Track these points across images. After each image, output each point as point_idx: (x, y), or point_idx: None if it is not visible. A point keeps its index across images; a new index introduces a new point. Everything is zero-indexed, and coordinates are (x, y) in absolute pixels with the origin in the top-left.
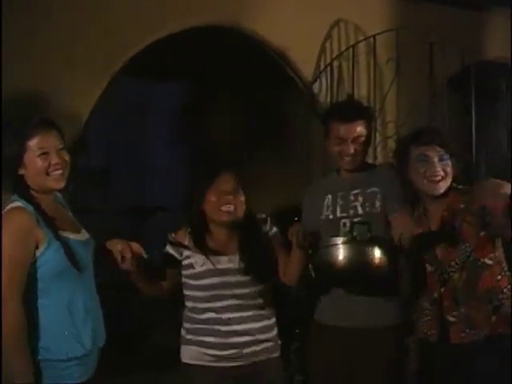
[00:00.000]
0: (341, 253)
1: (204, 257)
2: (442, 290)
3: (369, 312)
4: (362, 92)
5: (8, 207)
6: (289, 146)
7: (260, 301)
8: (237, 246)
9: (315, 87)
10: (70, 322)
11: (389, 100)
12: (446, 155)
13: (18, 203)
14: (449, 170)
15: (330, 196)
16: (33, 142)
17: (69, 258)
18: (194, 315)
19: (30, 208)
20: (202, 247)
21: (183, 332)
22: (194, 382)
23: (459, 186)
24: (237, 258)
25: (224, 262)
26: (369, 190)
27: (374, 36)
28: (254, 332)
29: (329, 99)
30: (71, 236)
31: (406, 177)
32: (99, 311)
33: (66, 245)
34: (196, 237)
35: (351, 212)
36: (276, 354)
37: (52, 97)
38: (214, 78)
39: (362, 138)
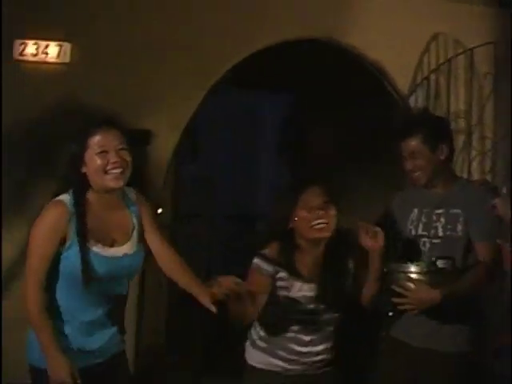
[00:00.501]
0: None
1: (301, 283)
2: None
3: (433, 335)
4: (459, 106)
5: (54, 199)
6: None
7: (332, 325)
8: (319, 270)
9: (411, 100)
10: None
11: (486, 115)
12: None
13: (61, 197)
14: None
15: (416, 210)
16: (93, 141)
17: (82, 267)
18: None
19: (70, 203)
20: (296, 273)
21: (255, 336)
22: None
23: None
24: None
25: (313, 290)
26: (452, 211)
27: (471, 49)
28: (321, 352)
29: None
30: (95, 248)
31: None
32: (114, 320)
33: (84, 254)
34: (289, 259)
35: (432, 232)
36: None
37: (153, 107)
38: (315, 90)
39: (421, 154)
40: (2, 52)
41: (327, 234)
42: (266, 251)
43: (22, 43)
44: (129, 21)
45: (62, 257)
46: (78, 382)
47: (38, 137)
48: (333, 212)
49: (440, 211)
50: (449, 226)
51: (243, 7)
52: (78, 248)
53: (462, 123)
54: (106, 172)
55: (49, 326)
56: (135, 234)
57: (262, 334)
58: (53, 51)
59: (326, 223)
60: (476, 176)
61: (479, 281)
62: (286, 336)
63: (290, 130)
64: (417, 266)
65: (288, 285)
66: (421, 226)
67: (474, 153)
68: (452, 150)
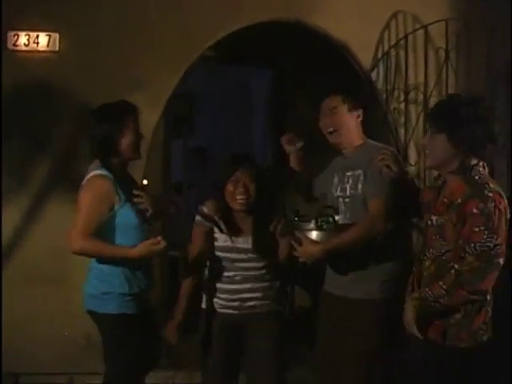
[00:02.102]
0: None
1: (226, 235)
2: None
3: (350, 284)
4: (418, 79)
5: (92, 174)
6: None
7: (264, 273)
8: (251, 227)
9: (373, 75)
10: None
11: (439, 87)
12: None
13: (99, 171)
14: (434, 143)
15: (335, 175)
16: (128, 125)
17: (141, 215)
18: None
19: (110, 176)
20: (227, 228)
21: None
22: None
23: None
24: (249, 239)
25: (240, 242)
26: (356, 172)
27: (425, 26)
28: (254, 291)
29: (385, 86)
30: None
31: None
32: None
33: (137, 206)
34: (223, 218)
35: (344, 192)
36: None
37: (136, 86)
38: (289, 69)
39: (339, 111)
40: (1, 50)
41: (245, 208)
42: (204, 208)
43: (15, 34)
44: (109, 8)
45: (115, 217)
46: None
47: (32, 118)
48: (252, 190)
49: (349, 173)
50: (353, 186)
51: None
52: (129, 204)
53: (420, 95)
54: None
55: (103, 243)
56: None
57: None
58: (43, 41)
59: (246, 199)
60: None
61: (361, 234)
62: (224, 279)
63: (273, 108)
64: (309, 223)
65: (221, 237)
66: (338, 188)
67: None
68: (364, 116)
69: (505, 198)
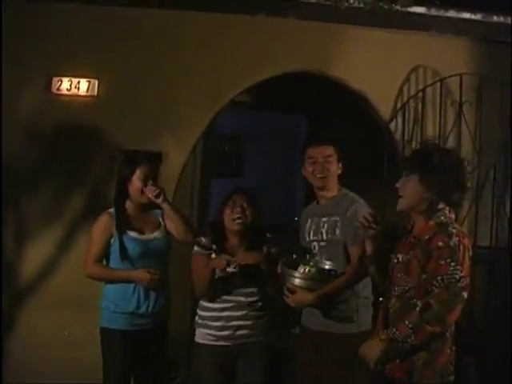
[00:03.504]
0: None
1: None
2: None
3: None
4: (434, 131)
5: (104, 212)
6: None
7: (255, 300)
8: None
9: (392, 126)
10: (124, 291)
11: (451, 139)
12: (411, 174)
13: (109, 210)
14: (409, 189)
15: (309, 220)
16: (140, 169)
17: (119, 249)
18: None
19: (113, 212)
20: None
21: (197, 316)
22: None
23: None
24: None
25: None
26: (332, 218)
27: (441, 80)
28: (246, 319)
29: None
30: (131, 233)
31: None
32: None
33: (121, 241)
34: (217, 244)
35: (319, 236)
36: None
37: (167, 129)
38: (315, 117)
39: (331, 161)
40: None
41: (240, 228)
42: (202, 239)
43: (59, 80)
44: (144, 58)
45: (111, 249)
46: (157, 273)
47: (71, 155)
48: (249, 211)
49: (325, 219)
50: (330, 231)
51: (246, 44)
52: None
53: None
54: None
55: (106, 267)
56: (161, 226)
57: (200, 311)
58: (83, 86)
59: (242, 220)
60: None
61: (348, 282)
62: (217, 307)
63: None
64: (299, 272)
65: None
66: (312, 232)
67: None
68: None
69: (468, 237)
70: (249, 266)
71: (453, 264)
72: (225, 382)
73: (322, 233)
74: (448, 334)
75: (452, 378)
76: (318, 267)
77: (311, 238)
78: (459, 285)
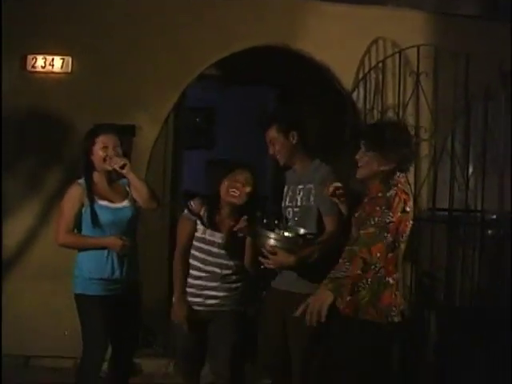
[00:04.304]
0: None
1: (211, 231)
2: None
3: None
4: (394, 100)
5: (74, 182)
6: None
7: (230, 273)
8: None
9: (354, 96)
10: (99, 257)
11: (410, 107)
12: (365, 147)
13: (78, 180)
14: (367, 159)
15: (286, 187)
16: (99, 139)
17: (91, 217)
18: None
19: (83, 182)
20: (208, 223)
21: None
22: None
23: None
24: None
25: (216, 237)
26: (307, 186)
27: (400, 51)
28: (218, 290)
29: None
30: (102, 202)
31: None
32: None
33: (92, 209)
34: (209, 213)
35: (294, 203)
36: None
37: (136, 106)
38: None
39: (277, 141)
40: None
41: (235, 201)
42: (192, 203)
43: (33, 57)
44: (117, 35)
45: (83, 217)
46: (127, 240)
47: (46, 132)
48: (247, 189)
49: (300, 186)
50: (304, 198)
51: (218, 20)
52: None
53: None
54: (104, 160)
55: (79, 235)
56: (129, 196)
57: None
58: (57, 63)
59: (239, 194)
60: None
61: (324, 248)
62: (192, 274)
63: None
64: (275, 233)
65: (200, 229)
66: (288, 198)
67: None
68: (307, 136)
69: (408, 194)
70: (229, 238)
71: (386, 210)
72: (197, 343)
73: (297, 199)
74: (391, 280)
75: (397, 319)
76: (295, 230)
77: (287, 203)
78: (386, 226)
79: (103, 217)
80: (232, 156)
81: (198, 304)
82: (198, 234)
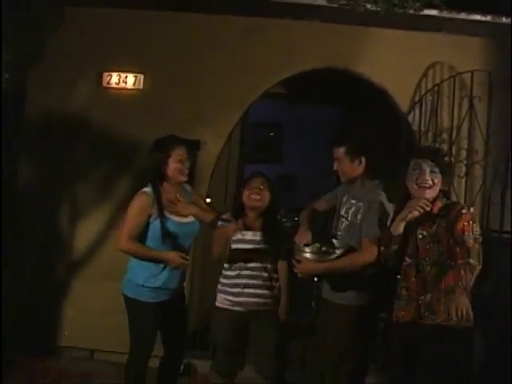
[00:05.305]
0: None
1: (245, 232)
2: (413, 278)
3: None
4: (448, 123)
5: (140, 191)
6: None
7: (270, 267)
8: (260, 225)
9: (410, 118)
10: (155, 269)
11: (463, 131)
12: (436, 168)
13: (145, 189)
14: (436, 180)
15: (344, 198)
16: (174, 152)
17: (161, 231)
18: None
19: (151, 192)
20: (244, 224)
21: (219, 285)
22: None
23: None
24: (258, 233)
25: (249, 235)
26: (359, 204)
27: (455, 76)
28: (260, 288)
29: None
30: (172, 217)
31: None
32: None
33: (162, 222)
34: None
35: (346, 215)
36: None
37: (203, 121)
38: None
39: (342, 161)
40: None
41: (258, 204)
42: (224, 215)
43: (109, 75)
44: (184, 56)
45: (150, 227)
46: (188, 258)
47: (118, 143)
48: (266, 192)
49: (353, 201)
50: (354, 214)
51: (282, 41)
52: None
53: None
54: (181, 173)
55: (141, 246)
56: None
57: (222, 278)
58: (130, 80)
59: (260, 199)
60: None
61: (348, 266)
62: (235, 275)
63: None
64: (308, 248)
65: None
66: (344, 209)
67: (453, 160)
68: (372, 162)
69: None
70: (265, 242)
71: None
72: (237, 343)
73: (349, 213)
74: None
75: None
76: (328, 244)
77: (342, 213)
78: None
79: (171, 231)
80: (299, 171)
81: (241, 303)
82: (234, 238)
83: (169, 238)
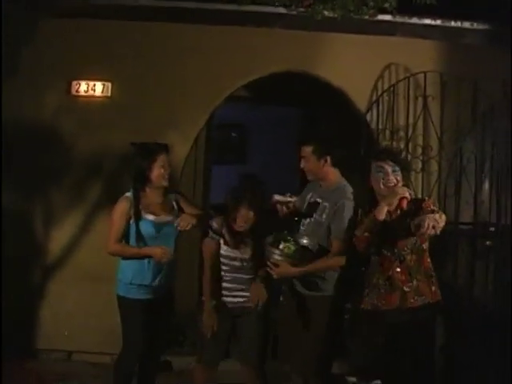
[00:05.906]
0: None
1: (232, 248)
2: (398, 269)
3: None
4: (403, 121)
5: (123, 196)
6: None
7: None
8: (249, 244)
9: (368, 117)
10: (140, 266)
11: (418, 129)
12: (396, 167)
13: (127, 194)
14: (399, 178)
15: (308, 196)
16: (159, 158)
17: (136, 231)
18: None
19: (131, 197)
20: (231, 243)
21: None
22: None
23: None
24: (246, 251)
25: (237, 253)
26: (324, 204)
27: (409, 77)
28: (245, 291)
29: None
30: (149, 217)
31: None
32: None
33: (137, 223)
34: (230, 236)
35: (311, 213)
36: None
37: (171, 125)
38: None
39: (309, 159)
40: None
41: (241, 228)
42: (214, 223)
43: (77, 83)
44: (151, 64)
45: (130, 229)
46: (170, 249)
47: (89, 149)
48: (251, 214)
49: (319, 200)
50: (319, 213)
51: (239, 49)
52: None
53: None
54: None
55: (126, 245)
56: (174, 211)
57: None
58: (98, 88)
59: (244, 225)
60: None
61: (323, 268)
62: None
63: None
64: (278, 249)
65: (223, 247)
66: (308, 207)
67: (409, 157)
68: (337, 160)
69: None
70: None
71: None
72: (225, 333)
73: (314, 211)
74: None
75: None
76: (296, 244)
77: (306, 210)
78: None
79: (148, 230)
80: (262, 170)
81: (230, 302)
82: (222, 252)
83: (145, 237)
